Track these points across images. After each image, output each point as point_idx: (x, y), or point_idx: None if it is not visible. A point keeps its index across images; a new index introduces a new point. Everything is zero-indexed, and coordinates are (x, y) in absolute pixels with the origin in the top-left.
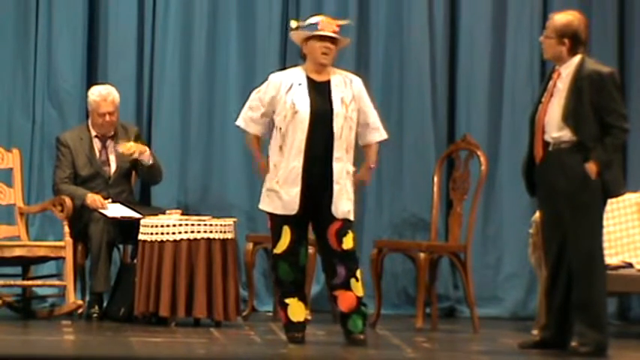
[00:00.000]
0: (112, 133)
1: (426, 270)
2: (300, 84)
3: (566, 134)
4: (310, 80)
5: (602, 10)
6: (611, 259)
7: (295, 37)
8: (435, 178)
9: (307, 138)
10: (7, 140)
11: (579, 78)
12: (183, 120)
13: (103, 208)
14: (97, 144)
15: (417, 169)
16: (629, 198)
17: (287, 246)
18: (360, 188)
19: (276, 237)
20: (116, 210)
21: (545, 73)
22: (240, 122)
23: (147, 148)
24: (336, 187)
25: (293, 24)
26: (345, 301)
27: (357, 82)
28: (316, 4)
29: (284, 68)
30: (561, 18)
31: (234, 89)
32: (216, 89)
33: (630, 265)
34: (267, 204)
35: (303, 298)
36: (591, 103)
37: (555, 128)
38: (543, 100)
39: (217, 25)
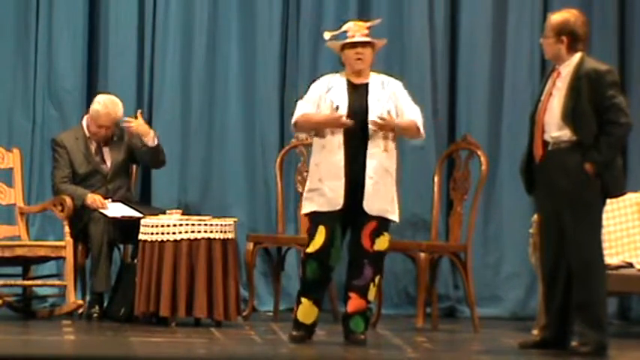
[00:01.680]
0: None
1: (426, 270)
2: (340, 86)
3: (565, 134)
4: (349, 82)
5: (603, 9)
6: (611, 259)
7: (332, 47)
8: (436, 178)
9: (345, 134)
10: (8, 140)
11: (578, 77)
12: (183, 120)
13: (103, 207)
14: (92, 143)
15: (418, 169)
16: (629, 198)
17: (320, 245)
18: None
19: (311, 237)
20: (116, 210)
21: (546, 73)
22: (294, 119)
23: (150, 131)
24: (368, 182)
25: (326, 35)
26: (355, 305)
27: (395, 83)
28: (317, 4)
29: (284, 68)
30: (557, 16)
31: (234, 89)
32: (216, 89)
33: (630, 265)
34: (310, 204)
35: (319, 302)
36: (590, 102)
37: (555, 127)
38: (543, 99)
39: (217, 25)
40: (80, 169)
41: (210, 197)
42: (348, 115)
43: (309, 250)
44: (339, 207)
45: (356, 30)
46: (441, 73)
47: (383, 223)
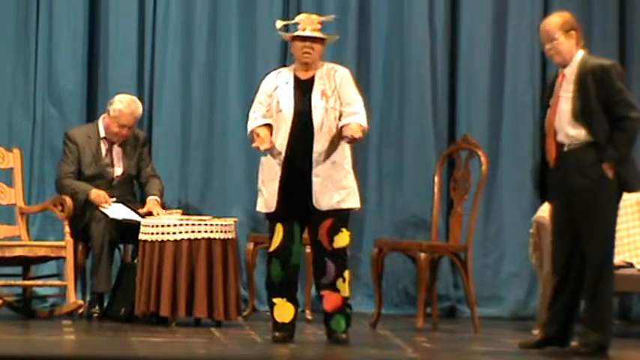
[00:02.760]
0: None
1: (426, 270)
2: (287, 82)
3: (580, 133)
4: (296, 78)
5: (603, 9)
6: None
7: (283, 37)
8: (436, 178)
9: (290, 135)
10: (8, 140)
11: (583, 75)
12: (183, 120)
13: (107, 203)
14: (103, 144)
15: (418, 168)
16: (630, 198)
17: (279, 243)
18: (361, 187)
19: (271, 235)
20: (118, 211)
21: (546, 73)
22: (249, 126)
23: (157, 206)
24: (315, 180)
25: (278, 24)
26: (331, 301)
27: (341, 71)
28: (317, 3)
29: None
30: (556, 17)
31: (234, 89)
32: (217, 89)
33: (631, 265)
34: (257, 203)
35: (292, 299)
36: (598, 98)
37: (568, 128)
38: (551, 103)
39: (218, 24)
40: (87, 170)
41: (210, 197)
42: (294, 116)
43: (271, 248)
44: (272, 209)
45: (307, 23)
46: (441, 73)
47: (340, 219)
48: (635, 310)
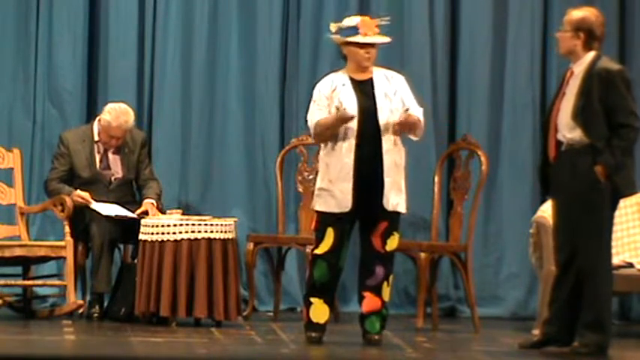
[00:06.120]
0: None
1: (426, 270)
2: (343, 84)
3: (577, 134)
4: (353, 80)
5: (603, 9)
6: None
7: (338, 40)
8: (436, 178)
9: (357, 134)
10: (8, 140)
11: (590, 76)
12: (183, 120)
13: (88, 203)
14: (98, 148)
15: (418, 168)
16: (629, 198)
17: (330, 247)
18: None
19: (320, 237)
20: (111, 209)
21: (546, 73)
22: (314, 121)
23: (153, 208)
24: (387, 180)
25: (332, 27)
26: (370, 304)
27: (398, 77)
28: (317, 3)
29: (284, 67)
30: (578, 12)
31: (234, 89)
32: (217, 89)
33: (630, 265)
34: (321, 203)
35: (329, 301)
36: (600, 102)
37: (567, 128)
38: (557, 100)
39: (218, 24)
40: (83, 173)
41: (210, 197)
42: (359, 115)
43: (318, 251)
44: (347, 209)
45: (368, 29)
46: (441, 74)
47: (394, 223)
48: (635, 310)
